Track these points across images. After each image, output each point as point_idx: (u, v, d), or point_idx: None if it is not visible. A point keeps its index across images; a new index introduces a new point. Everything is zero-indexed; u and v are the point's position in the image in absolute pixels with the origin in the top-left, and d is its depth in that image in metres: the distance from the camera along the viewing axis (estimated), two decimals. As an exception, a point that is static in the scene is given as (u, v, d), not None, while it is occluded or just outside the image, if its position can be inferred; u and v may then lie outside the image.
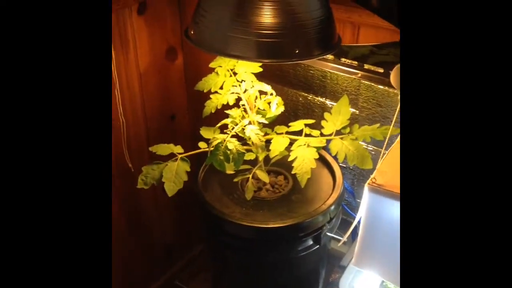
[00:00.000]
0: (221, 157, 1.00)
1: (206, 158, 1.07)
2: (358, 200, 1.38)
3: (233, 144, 1.00)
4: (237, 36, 0.88)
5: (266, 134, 1.12)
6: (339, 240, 1.22)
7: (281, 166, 1.21)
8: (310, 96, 1.28)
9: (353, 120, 1.20)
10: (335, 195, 1.14)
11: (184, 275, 1.71)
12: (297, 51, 0.89)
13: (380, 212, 0.95)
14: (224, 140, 1.01)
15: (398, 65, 0.92)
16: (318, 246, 1.12)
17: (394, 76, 0.94)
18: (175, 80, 1.50)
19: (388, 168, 0.97)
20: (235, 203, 1.13)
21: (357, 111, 1.21)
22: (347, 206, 1.38)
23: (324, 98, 1.26)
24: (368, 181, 0.94)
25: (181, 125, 1.59)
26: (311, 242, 1.12)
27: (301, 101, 1.30)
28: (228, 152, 1.00)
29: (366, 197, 0.95)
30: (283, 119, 1.20)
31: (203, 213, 1.12)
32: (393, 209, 0.92)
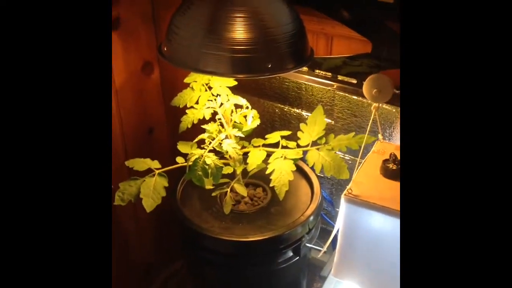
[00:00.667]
0: (200, 173, 1.00)
1: (184, 173, 1.07)
2: (337, 209, 1.39)
3: (211, 159, 1.01)
4: (210, 52, 0.89)
5: (243, 147, 1.13)
6: (319, 250, 1.23)
7: (259, 179, 1.21)
8: (286, 108, 1.29)
9: (329, 130, 1.21)
10: (313, 206, 1.15)
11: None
12: (269, 66, 0.90)
13: (357, 222, 0.96)
14: (202, 155, 1.02)
15: (371, 76, 0.94)
16: (298, 257, 1.13)
17: (366, 87, 0.95)
18: (152, 94, 1.49)
19: (364, 178, 0.99)
20: (214, 217, 1.13)
21: (333, 122, 1.23)
22: (326, 215, 1.39)
23: (300, 109, 1.27)
24: (345, 191, 0.95)
25: (159, 139, 1.59)
26: (291, 254, 1.12)
27: (278, 112, 1.31)
28: (206, 167, 1.00)
29: (343, 208, 0.96)
30: (260, 131, 1.21)
31: (182, 228, 1.12)
32: (370, 219, 0.94)
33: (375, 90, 0.93)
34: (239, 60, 0.89)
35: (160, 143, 1.60)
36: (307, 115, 1.26)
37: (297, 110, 1.27)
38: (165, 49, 0.96)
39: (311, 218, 1.12)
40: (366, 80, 0.93)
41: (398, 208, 0.89)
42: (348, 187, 0.95)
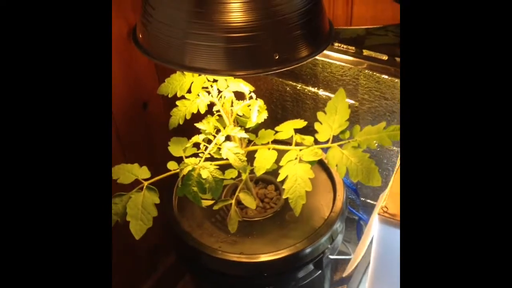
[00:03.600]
0: (195, 188, 0.80)
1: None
2: (362, 198, 1.20)
3: (208, 171, 0.80)
4: (198, 42, 0.67)
5: (249, 142, 0.92)
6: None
7: (270, 173, 1.01)
8: (299, 86, 1.07)
9: (352, 114, 1.00)
10: (337, 208, 0.95)
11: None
12: (277, 57, 0.68)
13: (394, 244, 0.77)
14: (197, 166, 0.81)
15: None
16: (319, 271, 0.95)
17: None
18: (143, 63, 1.27)
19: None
20: (218, 228, 0.95)
21: (357, 103, 1.01)
22: (349, 205, 1.20)
23: (316, 88, 1.05)
24: (379, 209, 0.75)
25: (155, 114, 1.38)
26: (311, 268, 0.94)
27: (289, 91, 1.09)
28: (203, 181, 0.80)
29: (376, 229, 0.77)
30: (268, 113, 1.01)
31: (178, 243, 0.94)
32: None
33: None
34: (237, 52, 0.67)
35: (157, 119, 1.39)
36: (325, 95, 1.04)
37: (312, 89, 1.05)
38: (140, 35, 0.74)
39: (336, 225, 0.93)
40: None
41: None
42: (382, 202, 0.75)
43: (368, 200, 1.19)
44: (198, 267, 0.94)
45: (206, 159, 0.83)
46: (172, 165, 0.89)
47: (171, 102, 1.01)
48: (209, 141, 0.86)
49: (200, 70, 0.69)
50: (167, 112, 1.37)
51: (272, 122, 0.93)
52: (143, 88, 1.30)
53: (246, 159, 0.84)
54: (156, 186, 0.89)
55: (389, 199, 0.76)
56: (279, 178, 0.86)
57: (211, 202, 0.89)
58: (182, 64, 0.69)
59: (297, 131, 0.92)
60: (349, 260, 1.17)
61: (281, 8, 0.68)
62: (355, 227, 1.25)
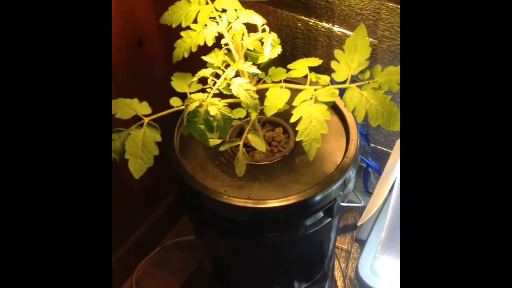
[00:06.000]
0: (202, 126, 0.74)
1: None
2: (373, 145, 1.14)
3: (216, 108, 0.73)
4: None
5: (259, 80, 0.85)
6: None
7: (278, 115, 0.94)
8: (312, 21, 0.99)
9: (370, 53, 0.92)
10: (351, 153, 0.89)
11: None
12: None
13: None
14: (204, 102, 0.74)
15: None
16: (330, 219, 0.90)
17: None
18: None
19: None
20: (222, 171, 0.89)
21: (376, 41, 0.93)
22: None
23: (330, 24, 0.97)
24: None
25: (152, 51, 1.30)
26: (321, 215, 0.89)
27: (300, 27, 1.01)
28: (211, 118, 0.73)
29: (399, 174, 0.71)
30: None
31: (181, 186, 0.88)
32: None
33: None
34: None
35: (154, 57, 1.31)
36: (341, 32, 0.96)
37: (327, 25, 0.97)
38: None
39: (349, 171, 0.87)
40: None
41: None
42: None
43: (379, 147, 1.14)
44: (201, 211, 0.89)
45: (215, 95, 0.76)
46: (175, 102, 0.83)
47: (170, 37, 0.93)
48: (217, 76, 0.78)
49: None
50: (165, 49, 1.28)
51: (281, 60, 0.85)
52: (138, 24, 1.20)
53: (257, 96, 0.77)
54: (157, 123, 0.83)
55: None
56: (292, 119, 0.79)
57: (218, 141, 0.82)
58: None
59: (311, 70, 0.85)
60: (357, 207, 1.13)
61: None
62: (362, 175, 1.20)
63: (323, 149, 0.91)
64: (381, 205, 0.90)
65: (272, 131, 0.96)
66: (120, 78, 1.06)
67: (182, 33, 0.84)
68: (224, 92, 0.77)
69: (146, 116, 0.81)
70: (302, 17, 1.00)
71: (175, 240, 1.37)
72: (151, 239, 1.41)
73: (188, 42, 0.83)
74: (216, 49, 0.82)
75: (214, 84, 0.77)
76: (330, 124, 0.95)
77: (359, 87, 0.80)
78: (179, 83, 0.85)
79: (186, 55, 0.83)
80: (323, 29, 0.98)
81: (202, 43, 0.82)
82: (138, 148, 0.78)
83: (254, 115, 0.83)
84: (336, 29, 0.97)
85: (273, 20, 1.04)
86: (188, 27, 0.84)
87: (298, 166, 0.89)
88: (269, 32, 0.80)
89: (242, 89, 0.75)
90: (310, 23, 0.99)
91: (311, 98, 0.80)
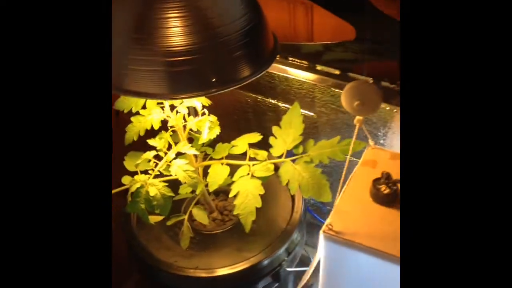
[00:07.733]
0: (142, 205, 0.81)
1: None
2: (328, 208, 1.20)
3: (156, 189, 0.81)
4: (138, 68, 0.67)
5: (206, 155, 0.93)
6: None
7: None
8: (260, 98, 1.07)
9: (311, 125, 1.00)
10: (295, 220, 0.96)
11: None
12: (214, 80, 0.68)
13: (341, 263, 0.78)
14: (146, 183, 0.82)
15: (350, 85, 0.72)
16: (277, 283, 0.95)
17: (345, 97, 0.73)
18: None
19: (349, 204, 0.79)
20: (176, 241, 0.95)
21: (315, 115, 1.01)
22: (314, 211, 1.21)
23: (275, 100, 1.05)
24: (323, 227, 0.76)
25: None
26: (269, 281, 0.95)
27: (250, 102, 1.09)
28: (151, 198, 0.81)
29: (322, 245, 0.77)
30: (231, 124, 1.01)
31: (136, 257, 0.94)
32: (356, 261, 0.75)
33: (356, 102, 0.71)
34: (177, 76, 0.67)
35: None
36: (285, 107, 1.05)
37: (273, 101, 1.06)
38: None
39: (293, 237, 0.94)
40: (345, 89, 0.71)
41: (393, 250, 0.70)
42: (327, 220, 0.76)
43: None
44: (157, 282, 0.95)
45: (160, 175, 0.83)
46: (126, 180, 0.90)
47: (122, 118, 0.99)
48: (161, 158, 0.86)
49: (141, 95, 0.69)
50: (117, 129, 1.36)
51: (236, 133, 0.93)
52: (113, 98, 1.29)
53: (197, 176, 0.84)
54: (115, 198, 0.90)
55: (334, 215, 0.77)
56: (231, 194, 0.86)
57: (160, 218, 0.89)
58: (123, 88, 0.69)
59: (256, 144, 0.92)
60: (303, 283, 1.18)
61: (221, 30, 0.68)
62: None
63: (270, 216, 0.98)
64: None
65: (225, 200, 1.03)
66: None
67: (132, 118, 0.92)
68: (165, 173, 0.84)
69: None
70: (251, 94, 1.08)
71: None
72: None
73: (137, 127, 0.91)
74: (163, 131, 0.90)
75: (156, 166, 0.84)
76: (279, 192, 1.03)
77: (293, 161, 0.87)
78: (131, 162, 0.92)
79: (135, 139, 0.91)
80: (270, 105, 1.07)
81: (149, 128, 0.90)
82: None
83: (198, 191, 0.90)
84: (281, 104, 1.05)
85: (227, 97, 1.12)
86: (137, 113, 0.92)
87: (246, 234, 0.95)
88: (209, 115, 0.88)
89: (181, 170, 0.83)
90: (258, 99, 1.08)
91: (248, 174, 0.87)
